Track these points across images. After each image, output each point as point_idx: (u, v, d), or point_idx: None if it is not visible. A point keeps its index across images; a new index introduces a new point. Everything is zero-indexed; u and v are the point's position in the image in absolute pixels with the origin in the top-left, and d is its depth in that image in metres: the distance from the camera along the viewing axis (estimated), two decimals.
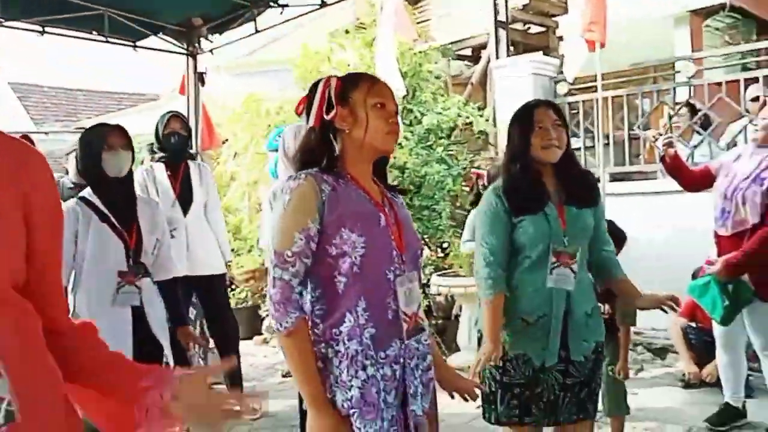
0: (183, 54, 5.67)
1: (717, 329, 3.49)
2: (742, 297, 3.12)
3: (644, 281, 3.77)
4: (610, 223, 2.89)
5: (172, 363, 2.85)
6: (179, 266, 3.74)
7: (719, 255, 3.23)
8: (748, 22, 7.37)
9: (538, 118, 2.27)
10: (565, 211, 2.27)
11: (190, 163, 4.06)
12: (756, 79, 4.85)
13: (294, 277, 1.57)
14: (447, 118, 5.88)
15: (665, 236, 4.74)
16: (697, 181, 3.46)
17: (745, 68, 6.04)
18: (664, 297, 2.27)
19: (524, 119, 2.31)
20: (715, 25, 7.48)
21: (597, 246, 2.38)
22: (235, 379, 4.13)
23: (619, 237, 3.07)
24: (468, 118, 5.91)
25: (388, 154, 1.76)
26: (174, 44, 5.62)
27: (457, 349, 5.11)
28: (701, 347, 4.13)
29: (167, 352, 2.77)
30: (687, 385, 4.20)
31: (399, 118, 1.78)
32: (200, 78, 5.63)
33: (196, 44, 5.62)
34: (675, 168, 3.43)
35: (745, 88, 4.90)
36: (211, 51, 5.61)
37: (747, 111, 4.75)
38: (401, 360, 1.62)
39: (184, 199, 3.96)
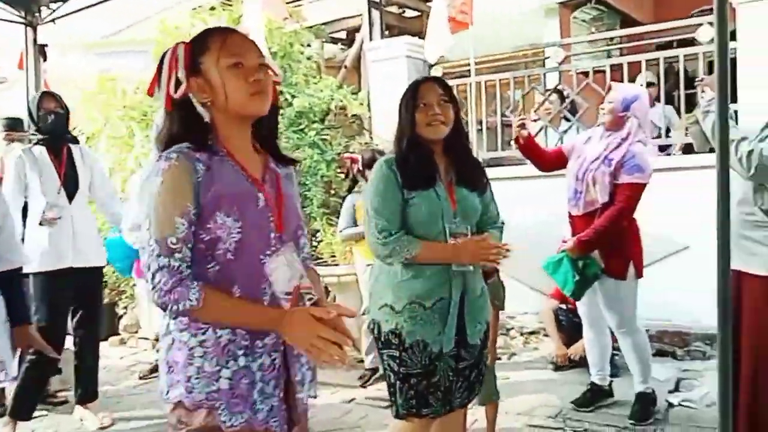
0: (20, 23, 5.02)
1: (581, 307, 3.57)
2: (590, 272, 3.27)
3: (516, 264, 3.78)
4: None
5: (9, 366, 2.54)
6: (68, 257, 3.58)
7: (573, 234, 3.36)
8: (612, 14, 7.70)
9: (423, 94, 2.21)
10: (455, 191, 2.22)
11: (72, 146, 3.75)
12: (620, 66, 4.96)
13: (182, 262, 1.42)
14: (319, 101, 5.64)
15: (537, 219, 4.75)
16: (550, 162, 3.56)
17: (609, 57, 6.23)
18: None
19: (409, 96, 2.24)
20: (582, 17, 7.74)
21: (484, 229, 2.34)
22: (88, 382, 3.75)
23: None
24: (342, 101, 5.69)
25: (259, 116, 1.54)
26: (9, 12, 4.96)
27: None
28: (571, 328, 4.19)
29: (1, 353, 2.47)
30: (557, 367, 4.25)
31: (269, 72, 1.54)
32: (41, 51, 5.01)
33: (36, 13, 5.00)
34: (529, 149, 3.51)
35: (611, 76, 5.01)
36: (53, 20, 5.00)
37: None
38: (281, 347, 1.52)
39: (70, 185, 3.67)
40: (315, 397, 1.64)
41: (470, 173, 2.28)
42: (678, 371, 4.03)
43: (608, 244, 3.25)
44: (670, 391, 3.71)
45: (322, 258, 5.07)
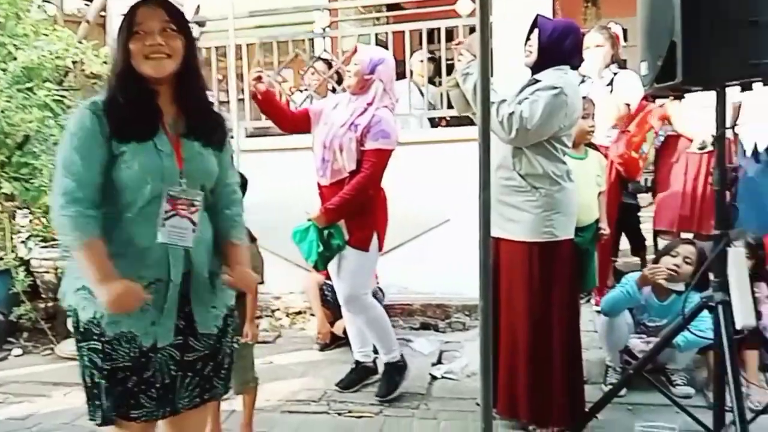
0: None
1: (335, 282, 3.35)
2: (335, 242, 3.11)
3: (279, 240, 3.47)
4: None
5: None
6: None
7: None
8: None
9: (140, 19, 1.76)
10: (182, 145, 1.78)
11: None
12: (386, 37, 4.85)
13: None
14: (51, 56, 4.77)
15: (303, 192, 4.48)
16: (293, 122, 3.33)
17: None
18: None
19: (125, 22, 1.78)
20: None
21: (221, 203, 1.94)
22: None
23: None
24: (81, 56, 4.87)
25: None
26: None
27: (69, 336, 4.23)
28: (337, 304, 3.96)
29: None
30: (323, 346, 4.05)
31: None
32: None
33: None
34: (267, 106, 3.24)
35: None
36: None
37: (411, 73, 4.83)
38: None
39: None
40: None
41: (205, 124, 1.86)
42: (441, 344, 4.03)
43: (353, 214, 3.08)
44: (434, 364, 3.68)
45: (56, 240, 4.33)
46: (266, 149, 4.76)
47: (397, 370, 3.28)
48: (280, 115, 3.29)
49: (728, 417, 2.43)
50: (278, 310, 4.59)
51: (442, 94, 4.61)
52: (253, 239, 2.77)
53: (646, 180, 4.57)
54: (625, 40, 4.46)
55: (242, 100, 5.15)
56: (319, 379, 3.54)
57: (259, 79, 3.15)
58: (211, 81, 4.99)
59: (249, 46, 5.00)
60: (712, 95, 2.45)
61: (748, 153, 3.96)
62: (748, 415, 2.37)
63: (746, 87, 2.40)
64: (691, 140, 4.10)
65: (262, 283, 2.78)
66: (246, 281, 1.93)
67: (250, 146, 4.74)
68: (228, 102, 4.96)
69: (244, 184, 2.80)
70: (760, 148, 3.91)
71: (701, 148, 4.00)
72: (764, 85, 2.34)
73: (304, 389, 3.42)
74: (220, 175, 1.90)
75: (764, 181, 3.88)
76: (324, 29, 4.92)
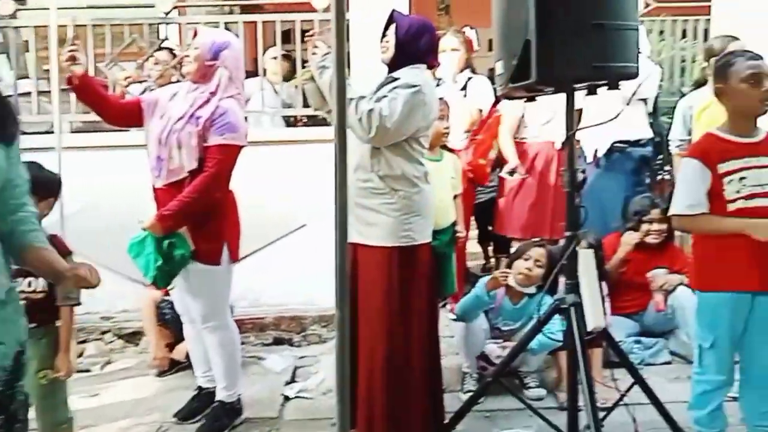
0: None
1: (176, 299, 3.08)
2: (178, 253, 2.73)
3: (108, 251, 3.06)
4: (35, 165, 2.28)
5: None
6: None
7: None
8: None
9: None
10: None
11: None
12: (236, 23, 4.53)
13: None
14: None
15: (137, 195, 4.07)
16: (119, 113, 2.93)
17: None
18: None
19: None
20: None
21: (8, 208, 1.58)
22: None
23: (49, 183, 2.39)
24: None
25: None
26: None
27: None
28: (179, 324, 3.57)
29: None
30: (161, 372, 3.62)
31: None
32: None
33: None
34: (86, 92, 2.79)
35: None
36: None
37: (264, 72, 4.57)
38: None
39: None
40: None
41: None
42: (295, 359, 3.80)
43: (199, 221, 2.74)
44: (287, 383, 3.45)
45: None
46: (95, 146, 4.25)
47: (229, 412, 2.96)
48: (104, 105, 2.86)
49: (580, 416, 2.42)
50: (108, 332, 4.08)
51: (297, 86, 4.38)
52: (68, 252, 2.33)
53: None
54: (478, 46, 4.51)
55: (66, 89, 4.58)
56: (155, 410, 3.15)
57: (73, 59, 2.68)
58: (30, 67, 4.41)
59: (78, 28, 4.43)
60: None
61: (589, 158, 4.14)
62: (600, 415, 2.37)
63: (592, 91, 2.40)
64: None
65: (78, 304, 2.40)
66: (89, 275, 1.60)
67: (75, 143, 4.20)
68: (49, 92, 4.36)
69: (58, 186, 2.44)
70: (600, 154, 4.11)
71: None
72: (609, 89, 2.35)
73: (136, 424, 3.02)
74: (8, 174, 1.54)
75: (603, 185, 4.07)
76: (167, 14, 4.46)
